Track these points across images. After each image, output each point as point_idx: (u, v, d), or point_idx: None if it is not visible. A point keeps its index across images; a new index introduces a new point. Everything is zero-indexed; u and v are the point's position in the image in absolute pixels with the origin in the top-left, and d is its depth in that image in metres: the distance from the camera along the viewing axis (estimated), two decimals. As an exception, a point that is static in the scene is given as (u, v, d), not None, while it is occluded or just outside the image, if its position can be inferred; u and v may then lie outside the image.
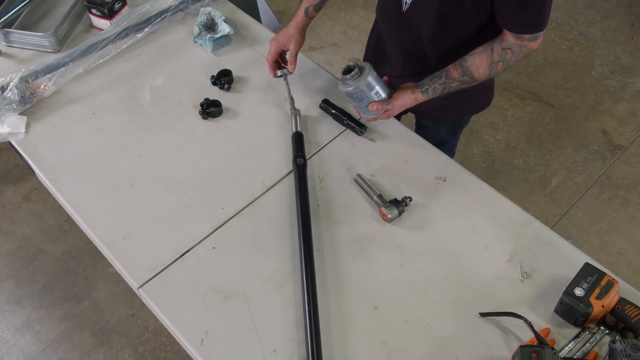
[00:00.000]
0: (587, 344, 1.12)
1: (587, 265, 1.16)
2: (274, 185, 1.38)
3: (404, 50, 1.44)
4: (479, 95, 1.56)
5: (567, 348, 1.12)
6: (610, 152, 2.67)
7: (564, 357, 1.09)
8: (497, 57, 1.28)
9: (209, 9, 1.69)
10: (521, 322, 1.12)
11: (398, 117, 1.60)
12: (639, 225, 2.42)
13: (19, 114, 1.50)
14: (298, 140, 1.42)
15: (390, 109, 1.35)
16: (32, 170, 1.46)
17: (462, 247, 1.27)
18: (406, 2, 1.32)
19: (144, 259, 1.25)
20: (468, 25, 1.31)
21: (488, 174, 2.57)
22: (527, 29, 1.23)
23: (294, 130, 1.45)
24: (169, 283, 1.22)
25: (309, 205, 1.31)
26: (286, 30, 1.49)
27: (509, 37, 1.26)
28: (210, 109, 1.50)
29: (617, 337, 1.12)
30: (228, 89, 1.56)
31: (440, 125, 1.65)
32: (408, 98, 1.35)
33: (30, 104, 1.51)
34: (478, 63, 1.29)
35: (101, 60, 1.61)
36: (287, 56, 1.50)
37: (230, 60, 1.64)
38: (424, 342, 1.14)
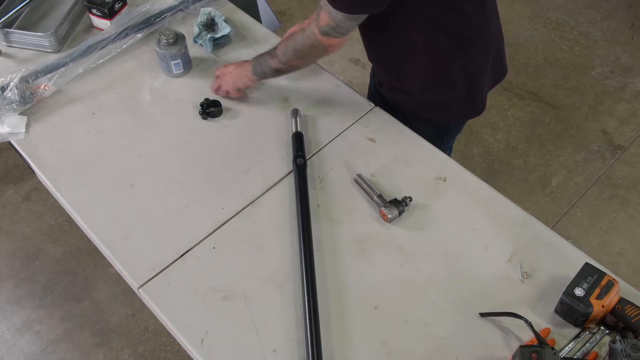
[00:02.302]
0: (587, 344, 1.12)
1: (587, 265, 1.16)
2: (274, 185, 1.38)
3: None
4: (456, 105, 1.50)
5: (567, 348, 1.12)
6: (610, 152, 2.67)
7: (564, 357, 1.09)
8: (291, 41, 1.31)
9: (209, 9, 1.69)
10: (521, 322, 1.12)
11: (397, 117, 1.59)
12: (639, 225, 2.42)
13: (19, 114, 1.50)
14: (298, 140, 1.42)
15: (221, 68, 1.50)
16: (32, 170, 1.46)
17: (462, 247, 1.27)
18: None
19: (144, 259, 1.25)
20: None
21: (488, 174, 2.57)
22: None
23: (294, 130, 1.45)
24: (169, 283, 1.22)
25: (309, 205, 1.31)
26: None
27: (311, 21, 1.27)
28: (210, 109, 1.50)
29: (617, 337, 1.12)
30: (228, 89, 1.56)
31: (427, 127, 1.61)
32: (239, 65, 1.46)
33: (30, 104, 1.51)
34: (282, 43, 1.35)
35: (101, 60, 1.61)
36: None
37: (230, 60, 1.64)
38: (424, 342, 1.14)
